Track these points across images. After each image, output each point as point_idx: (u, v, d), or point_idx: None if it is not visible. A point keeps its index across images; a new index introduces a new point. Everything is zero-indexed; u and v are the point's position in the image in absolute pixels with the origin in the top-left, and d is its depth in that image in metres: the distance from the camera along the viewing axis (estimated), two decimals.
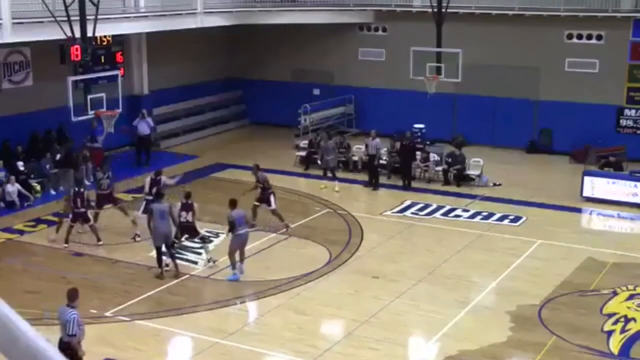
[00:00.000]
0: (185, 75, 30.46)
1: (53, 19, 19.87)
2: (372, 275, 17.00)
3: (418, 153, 24.99)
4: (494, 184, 24.12)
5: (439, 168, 25.00)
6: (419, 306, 15.50)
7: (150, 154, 26.61)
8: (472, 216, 21.42)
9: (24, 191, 21.65)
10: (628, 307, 15.54)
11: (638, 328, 14.61)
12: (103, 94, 20.73)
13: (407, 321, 14.84)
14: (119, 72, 22.02)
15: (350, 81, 30.92)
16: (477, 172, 24.56)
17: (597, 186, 22.64)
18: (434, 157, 25.40)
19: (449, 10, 25.65)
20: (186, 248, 18.49)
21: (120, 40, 26.99)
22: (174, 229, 16.89)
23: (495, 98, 28.52)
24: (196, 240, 17.94)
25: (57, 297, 15.56)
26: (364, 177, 24.78)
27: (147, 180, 19.73)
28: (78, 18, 20.14)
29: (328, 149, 24.54)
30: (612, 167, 23.89)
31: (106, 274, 17.06)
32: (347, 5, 30.47)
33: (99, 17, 20.52)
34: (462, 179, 24.46)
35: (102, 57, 22.46)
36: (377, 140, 24.20)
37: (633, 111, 27.24)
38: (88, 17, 20.31)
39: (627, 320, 14.96)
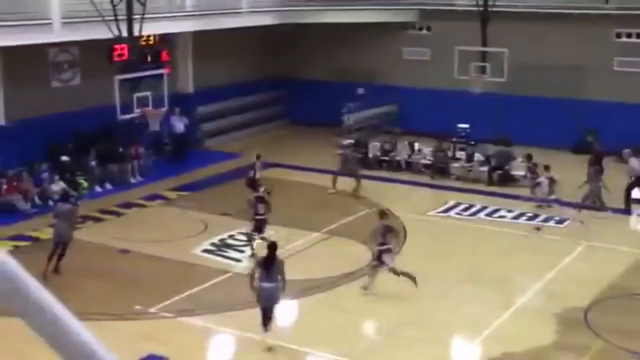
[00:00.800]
0: (230, 74, 30.60)
1: (101, 18, 20.14)
2: (415, 275, 16.89)
3: (462, 153, 24.80)
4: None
5: (484, 168, 24.78)
6: (462, 307, 15.37)
7: (187, 152, 26.59)
8: (517, 217, 21.18)
9: (68, 189, 21.93)
10: None
11: None
12: (149, 93, 20.94)
13: (450, 322, 14.73)
14: (165, 71, 22.21)
15: (394, 80, 30.79)
16: (522, 173, 24.27)
17: None
18: (478, 157, 25.20)
19: (494, 9, 25.41)
20: (230, 246, 18.61)
21: (166, 39, 27.24)
22: None
23: (541, 98, 28.17)
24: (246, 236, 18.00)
25: (102, 293, 15.81)
26: (383, 174, 25.05)
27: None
28: (125, 17, 20.40)
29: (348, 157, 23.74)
30: None
31: (151, 270, 17.23)
32: (392, 5, 30.37)
33: (145, 16, 20.75)
34: (507, 179, 24.21)
35: (148, 56, 22.65)
36: (633, 160, 22.48)
37: None
38: (135, 17, 20.56)
39: None
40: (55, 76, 24.35)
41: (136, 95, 20.70)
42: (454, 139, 26.10)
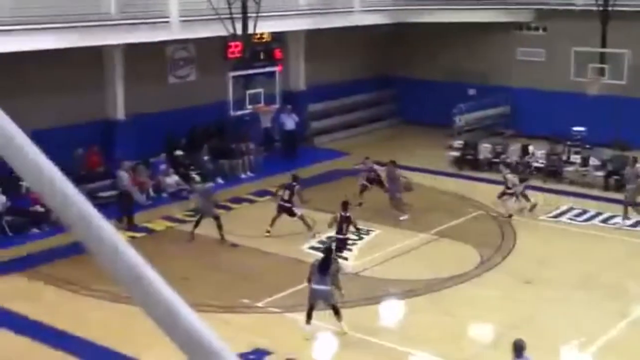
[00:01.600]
0: (341, 72, 30.73)
1: (217, 16, 20.60)
2: (524, 280, 16.54)
3: (577, 156, 24.09)
4: None
5: (599, 173, 23.97)
6: (574, 315, 14.92)
7: (297, 150, 26.83)
8: (635, 224, 20.39)
9: (181, 182, 22.57)
10: None
11: None
12: (261, 90, 21.26)
13: (561, 330, 14.31)
14: (277, 69, 22.50)
15: (507, 81, 30.18)
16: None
17: None
18: (593, 161, 24.41)
19: (615, 8, 24.55)
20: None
21: (279, 37, 27.61)
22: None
23: None
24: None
25: (211, 286, 16.18)
26: (493, 176, 24.39)
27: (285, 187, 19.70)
28: (240, 15, 20.79)
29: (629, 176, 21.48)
30: None
31: (259, 265, 17.49)
32: (507, 4, 29.78)
33: (259, 14, 21.09)
34: (624, 185, 23.32)
35: (262, 54, 23.04)
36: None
37: None
38: (250, 15, 20.93)
39: None
40: (172, 72, 25.06)
41: (249, 92, 21.05)
42: (569, 142, 25.37)
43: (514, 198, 20.95)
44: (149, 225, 20.15)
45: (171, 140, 23.80)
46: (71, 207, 1.34)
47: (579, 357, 13.61)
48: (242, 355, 12.60)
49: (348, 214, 17.56)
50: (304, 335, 13.89)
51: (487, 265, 17.48)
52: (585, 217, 21.09)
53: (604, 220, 20.77)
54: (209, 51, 23.51)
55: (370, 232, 19.54)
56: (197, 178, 22.87)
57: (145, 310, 1.31)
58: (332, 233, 19.18)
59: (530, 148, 25.57)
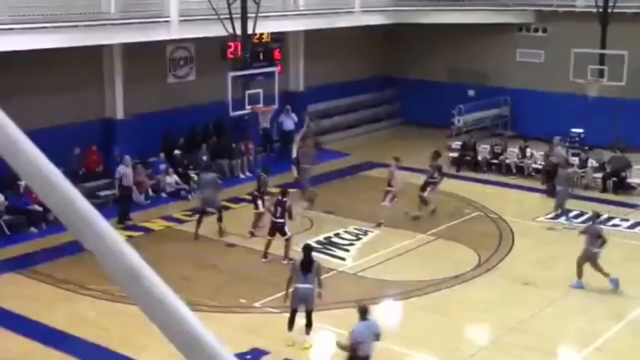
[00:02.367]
0: (340, 73, 30.74)
1: (216, 16, 20.61)
2: (522, 282, 16.55)
3: (575, 158, 24.11)
4: None
5: (598, 175, 23.99)
6: (571, 316, 14.95)
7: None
8: (632, 226, 20.41)
9: (180, 182, 22.58)
10: None
11: None
12: (260, 90, 21.26)
13: (557, 331, 14.33)
14: (276, 69, 22.50)
15: (507, 82, 30.21)
16: (639, 181, 23.39)
17: None
18: (592, 162, 24.43)
19: (615, 10, 24.57)
20: (335, 244, 18.70)
21: (278, 38, 27.62)
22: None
23: None
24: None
25: (209, 285, 16.18)
26: (492, 177, 24.59)
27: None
28: (240, 15, 20.80)
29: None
30: None
31: (256, 265, 17.48)
32: (507, 6, 29.81)
33: (259, 14, 21.10)
34: (622, 187, 23.38)
35: (261, 54, 23.03)
36: (559, 148, 23.40)
37: None
38: (249, 15, 20.94)
39: None
40: (171, 72, 25.06)
41: (248, 92, 21.05)
42: (567, 144, 25.40)
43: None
44: (148, 225, 20.14)
45: (170, 140, 23.81)
46: (70, 206, 1.35)
47: (575, 359, 13.62)
48: (239, 355, 12.60)
49: (285, 199, 17.49)
50: (287, 341, 13.65)
51: (485, 267, 17.49)
52: (583, 218, 21.09)
53: (602, 222, 20.73)
54: (209, 51, 23.52)
55: (369, 232, 19.56)
56: (196, 178, 22.89)
57: (144, 310, 1.32)
58: (327, 234, 19.21)
59: (528, 149, 25.61)
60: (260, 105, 21.53)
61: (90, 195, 19.08)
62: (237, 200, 22.28)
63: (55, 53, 19.65)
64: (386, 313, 15.52)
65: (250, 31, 21.05)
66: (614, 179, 23.54)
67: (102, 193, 21.10)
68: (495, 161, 25.68)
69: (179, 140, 23.96)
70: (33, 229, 19.07)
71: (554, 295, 15.81)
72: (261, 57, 22.72)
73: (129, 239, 18.54)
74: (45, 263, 17.27)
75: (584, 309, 15.25)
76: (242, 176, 24.54)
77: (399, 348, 13.59)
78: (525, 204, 22.78)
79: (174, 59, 25.10)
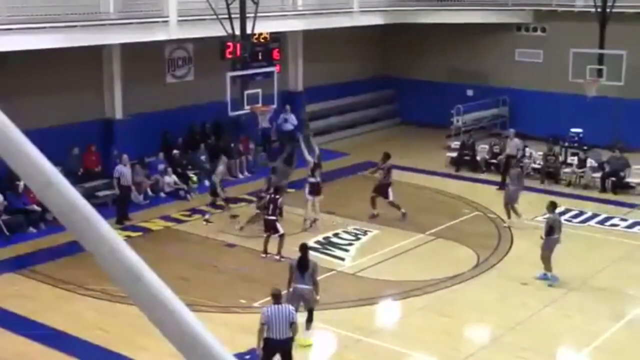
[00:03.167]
0: (339, 73, 30.73)
1: (215, 16, 20.61)
2: (520, 282, 16.55)
3: (574, 158, 24.12)
4: None
5: (597, 175, 23.99)
6: (570, 316, 14.95)
7: (295, 150, 26.72)
8: (631, 226, 20.42)
9: (178, 182, 22.57)
10: None
11: None
12: (259, 90, 21.25)
13: (556, 331, 14.34)
14: (275, 69, 22.48)
15: (505, 82, 30.21)
16: (638, 181, 23.40)
17: None
18: (591, 162, 24.43)
19: (614, 10, 24.57)
20: (335, 244, 18.71)
21: (277, 38, 27.60)
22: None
23: None
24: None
25: (208, 286, 16.18)
26: (491, 177, 24.53)
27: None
28: (239, 15, 20.79)
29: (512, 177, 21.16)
30: None
31: (256, 265, 17.48)
32: (505, 5, 29.82)
33: (258, 14, 21.09)
34: (621, 187, 23.38)
35: (260, 54, 23.00)
36: (516, 140, 23.69)
37: None
38: (248, 15, 20.93)
39: None
40: (170, 72, 25.06)
41: (247, 92, 21.04)
42: (566, 143, 25.41)
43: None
44: (146, 225, 20.14)
45: (169, 140, 23.80)
46: (69, 206, 1.35)
47: (575, 359, 13.62)
48: (239, 355, 12.60)
49: (277, 196, 17.73)
50: (305, 342, 13.68)
51: (484, 267, 17.49)
52: (581, 218, 21.12)
53: (601, 222, 20.80)
54: (207, 51, 23.48)
55: (368, 232, 19.56)
56: (194, 178, 22.90)
57: (143, 310, 1.32)
58: (326, 234, 19.22)
59: (527, 149, 25.61)
60: (259, 105, 21.51)
61: (89, 195, 19.09)
62: (236, 200, 22.26)
63: (54, 53, 19.63)
64: (385, 313, 15.53)
65: (249, 31, 21.03)
66: (613, 178, 23.55)
67: (101, 193, 21.09)
68: (494, 161, 25.68)
69: (178, 140, 23.96)
70: (32, 229, 19.06)
71: (552, 295, 15.81)
72: (260, 57, 22.66)
73: (128, 239, 18.54)
74: (44, 263, 17.26)
75: (583, 308, 15.25)
76: (240, 176, 24.54)
77: (398, 348, 13.60)
78: (523, 203, 22.75)
79: (173, 59, 25.10)
